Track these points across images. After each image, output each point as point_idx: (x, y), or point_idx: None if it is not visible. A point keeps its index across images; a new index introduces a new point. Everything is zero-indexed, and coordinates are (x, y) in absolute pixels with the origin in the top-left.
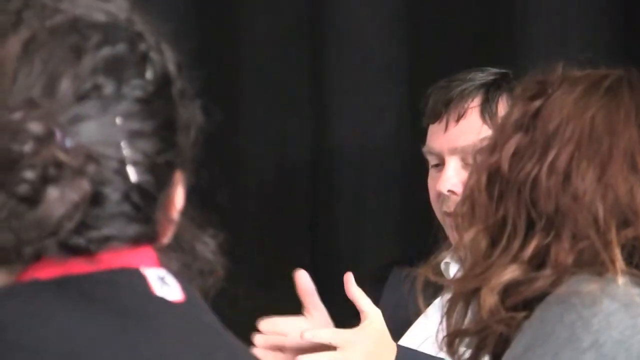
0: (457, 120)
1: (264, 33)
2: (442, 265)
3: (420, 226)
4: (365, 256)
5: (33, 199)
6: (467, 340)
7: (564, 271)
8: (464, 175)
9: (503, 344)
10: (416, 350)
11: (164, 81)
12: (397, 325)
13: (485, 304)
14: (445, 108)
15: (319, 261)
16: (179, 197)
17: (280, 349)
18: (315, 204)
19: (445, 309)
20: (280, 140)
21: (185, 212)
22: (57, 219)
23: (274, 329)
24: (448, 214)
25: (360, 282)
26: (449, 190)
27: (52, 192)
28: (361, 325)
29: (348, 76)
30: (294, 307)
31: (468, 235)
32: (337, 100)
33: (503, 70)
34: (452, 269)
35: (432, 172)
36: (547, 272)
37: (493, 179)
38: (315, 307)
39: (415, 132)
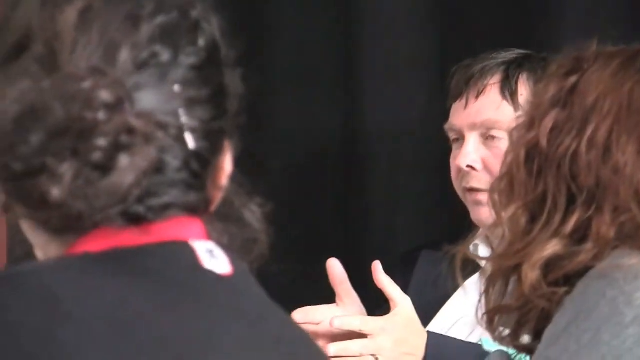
0: (477, 97)
1: (298, 19)
2: (471, 247)
3: (451, 210)
4: (397, 240)
5: (106, 167)
6: (505, 319)
7: (605, 245)
8: (483, 151)
9: (544, 319)
10: (446, 336)
11: (214, 48)
12: (427, 307)
13: (527, 280)
14: (466, 86)
15: (351, 245)
16: (227, 164)
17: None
18: (347, 188)
19: (483, 287)
20: (313, 125)
21: (233, 179)
22: (127, 186)
23: (306, 319)
24: (468, 190)
25: (391, 266)
26: (468, 166)
27: (124, 160)
28: (391, 312)
29: (380, 61)
30: (326, 294)
31: (507, 212)
32: (369, 85)
33: (526, 51)
34: (481, 251)
35: (453, 150)
36: (589, 246)
37: (532, 155)
38: (348, 295)
39: (445, 117)
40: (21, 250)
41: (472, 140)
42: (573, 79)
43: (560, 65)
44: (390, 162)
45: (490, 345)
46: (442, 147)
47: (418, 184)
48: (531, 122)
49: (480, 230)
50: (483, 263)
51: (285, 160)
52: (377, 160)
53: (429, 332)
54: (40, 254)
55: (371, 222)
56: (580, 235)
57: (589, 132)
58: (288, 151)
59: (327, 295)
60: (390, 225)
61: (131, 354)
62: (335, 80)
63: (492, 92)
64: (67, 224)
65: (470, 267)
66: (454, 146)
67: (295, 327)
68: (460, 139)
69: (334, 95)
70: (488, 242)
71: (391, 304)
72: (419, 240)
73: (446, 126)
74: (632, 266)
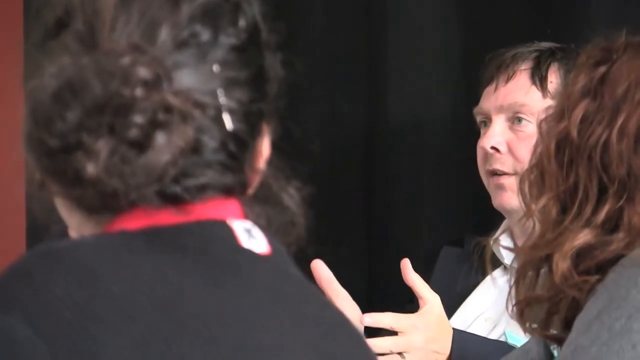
0: (507, 81)
1: (321, 13)
2: (492, 242)
3: (475, 204)
4: (421, 235)
5: (142, 144)
6: (535, 309)
7: (637, 234)
8: (508, 134)
9: (575, 309)
10: (471, 333)
11: (254, 30)
12: (448, 303)
13: (558, 270)
14: (497, 71)
15: (375, 241)
16: (265, 147)
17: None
18: (370, 184)
19: (513, 278)
20: (336, 120)
21: (272, 162)
22: (164, 165)
23: None
24: (491, 174)
25: (415, 264)
26: (492, 147)
27: (160, 138)
28: (421, 310)
29: (403, 56)
30: (350, 283)
31: (538, 204)
32: (392, 80)
33: (560, 44)
34: (506, 242)
35: (481, 134)
36: (620, 235)
37: (562, 145)
38: (338, 295)
39: (469, 111)
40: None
41: (499, 123)
42: (602, 69)
43: (589, 55)
44: (414, 157)
45: (515, 339)
46: (466, 141)
47: (441, 178)
48: (561, 113)
49: (503, 223)
50: (506, 256)
51: (307, 156)
52: (400, 155)
53: (454, 330)
54: (74, 233)
55: (394, 218)
56: (611, 225)
57: (619, 121)
58: (310, 147)
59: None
60: (414, 220)
61: (170, 330)
62: (358, 75)
63: (522, 77)
64: (103, 202)
65: (492, 261)
66: (482, 130)
67: (333, 307)
68: (487, 122)
69: (357, 91)
70: (511, 235)
71: (420, 302)
72: (442, 235)
73: (475, 110)
74: None
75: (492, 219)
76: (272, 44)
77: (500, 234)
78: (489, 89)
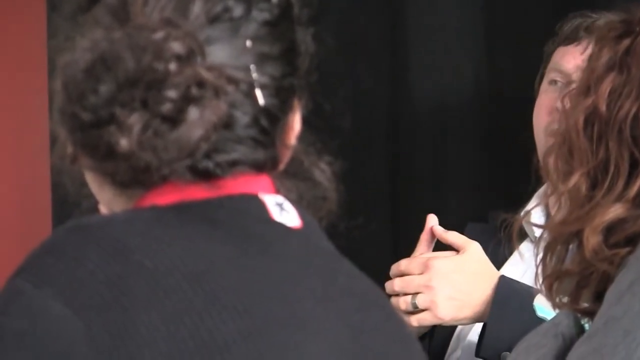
0: None
1: None
2: (522, 213)
3: (499, 181)
4: (445, 211)
5: (175, 119)
6: (565, 284)
7: None
8: None
9: (606, 282)
10: (516, 280)
11: (287, 5)
12: None
13: (589, 244)
14: (588, 34)
15: (398, 218)
16: (296, 122)
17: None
18: (395, 159)
19: (541, 254)
20: (359, 97)
21: (303, 138)
22: (196, 140)
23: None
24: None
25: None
26: None
27: (193, 112)
28: (454, 256)
29: (426, 31)
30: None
31: (570, 182)
32: (416, 55)
33: None
34: (534, 217)
35: (548, 90)
36: None
37: (591, 120)
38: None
39: (493, 86)
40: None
41: None
42: (627, 42)
43: (610, 28)
44: (438, 132)
45: (544, 311)
46: (490, 118)
47: (465, 153)
48: (587, 88)
49: (536, 195)
50: (536, 230)
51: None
52: (424, 130)
53: (503, 281)
54: (105, 209)
55: (418, 195)
56: None
57: None
58: (335, 124)
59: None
60: (439, 195)
61: (203, 304)
62: (381, 51)
63: None
64: (135, 176)
65: (518, 236)
66: (550, 88)
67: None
68: (559, 82)
69: (380, 67)
70: (545, 208)
71: (461, 250)
72: (467, 210)
73: (551, 66)
74: None
75: (516, 193)
76: (303, 19)
77: (534, 206)
78: (575, 49)
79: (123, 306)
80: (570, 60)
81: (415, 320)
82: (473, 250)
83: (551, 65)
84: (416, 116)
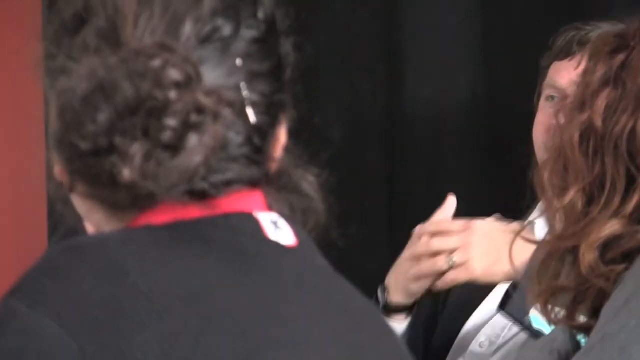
0: None
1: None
2: (525, 223)
3: (496, 191)
4: None
5: (176, 146)
6: (560, 299)
7: None
8: None
9: (602, 298)
10: None
11: (272, 20)
12: (472, 292)
13: (585, 260)
14: (581, 48)
15: (394, 225)
16: (283, 135)
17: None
18: (391, 163)
19: (537, 269)
20: (356, 102)
21: (290, 150)
22: (196, 166)
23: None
24: None
25: None
26: None
27: (193, 139)
28: None
29: (422, 36)
30: (371, 265)
31: (566, 197)
32: (411, 60)
33: None
34: (538, 228)
35: (545, 107)
36: None
37: (586, 136)
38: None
39: (488, 91)
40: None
41: None
42: (621, 57)
43: (604, 43)
44: (433, 138)
45: (540, 323)
46: (485, 126)
47: (461, 159)
48: (582, 103)
49: (539, 205)
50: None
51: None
52: (420, 135)
53: None
54: (92, 229)
55: (414, 202)
56: (639, 215)
57: None
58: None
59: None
60: (433, 204)
61: (199, 325)
62: (377, 56)
63: None
64: (133, 202)
65: None
66: (547, 104)
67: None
68: (558, 97)
69: (376, 72)
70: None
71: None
72: (462, 215)
73: (547, 82)
74: None
75: (512, 202)
76: (286, 31)
77: (538, 216)
78: (568, 65)
79: (117, 328)
80: (565, 75)
81: (450, 277)
82: (515, 223)
83: (547, 81)
84: (412, 124)
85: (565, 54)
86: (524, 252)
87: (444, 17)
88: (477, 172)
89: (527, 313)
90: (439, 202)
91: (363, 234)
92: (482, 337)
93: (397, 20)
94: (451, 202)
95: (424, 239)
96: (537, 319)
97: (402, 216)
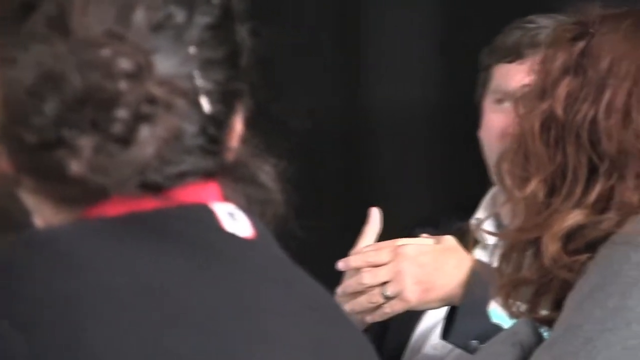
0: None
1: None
2: (473, 222)
3: (454, 186)
4: (401, 216)
5: (127, 139)
6: (522, 292)
7: (629, 211)
8: None
9: (565, 289)
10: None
11: (227, 5)
12: None
13: (548, 251)
14: (531, 51)
15: (356, 222)
16: (239, 124)
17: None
18: (349, 163)
19: (496, 263)
20: (316, 101)
21: (246, 140)
22: (148, 158)
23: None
24: None
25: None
26: None
27: (144, 131)
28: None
29: (380, 37)
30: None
31: (527, 188)
32: (372, 58)
33: None
34: (486, 226)
35: (495, 111)
36: (612, 214)
37: (547, 125)
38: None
39: (449, 91)
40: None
41: None
42: (581, 44)
43: (564, 30)
44: (391, 138)
45: (499, 317)
46: (444, 122)
47: (419, 159)
48: (542, 91)
49: (485, 204)
50: (489, 237)
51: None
52: (378, 135)
53: (477, 260)
54: (41, 222)
55: (375, 198)
56: (602, 204)
57: (606, 97)
58: (290, 129)
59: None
60: (395, 201)
61: (158, 319)
62: (334, 56)
63: None
64: (82, 196)
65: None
66: (497, 108)
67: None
68: (508, 101)
69: (337, 70)
70: (497, 217)
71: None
72: (420, 215)
73: (495, 86)
74: None
75: (470, 198)
76: (242, 16)
77: (487, 217)
78: (518, 68)
79: (72, 324)
80: (517, 80)
81: (386, 310)
82: (447, 238)
83: (495, 83)
84: (370, 120)
85: (515, 56)
86: (461, 270)
87: (403, 13)
88: (436, 168)
89: (471, 337)
90: (399, 202)
91: (321, 229)
92: (435, 339)
93: (355, 16)
94: (375, 218)
95: (354, 274)
96: (496, 312)
97: (361, 213)
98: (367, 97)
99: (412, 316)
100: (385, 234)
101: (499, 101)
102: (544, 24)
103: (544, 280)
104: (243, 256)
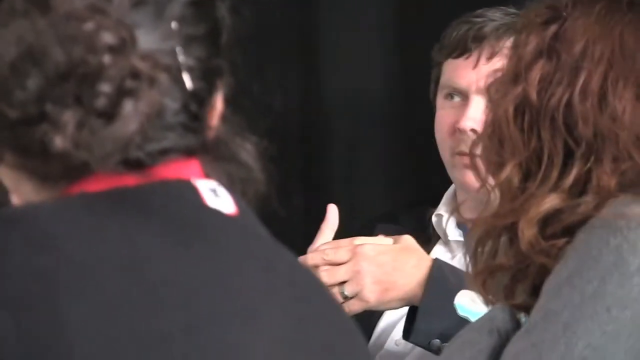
0: (489, 59)
1: None
2: (434, 218)
3: (411, 181)
4: (356, 214)
5: (110, 114)
6: (498, 278)
7: (607, 195)
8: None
9: (543, 274)
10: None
11: None
12: None
13: (524, 237)
14: (477, 45)
15: (311, 218)
16: (219, 102)
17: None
18: (307, 162)
19: (471, 250)
20: (271, 95)
21: (226, 118)
22: (131, 134)
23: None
24: (465, 154)
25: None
26: (472, 129)
27: (128, 106)
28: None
29: (337, 32)
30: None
31: (502, 173)
32: (327, 51)
33: None
34: (448, 223)
35: (445, 107)
36: (589, 197)
37: (521, 109)
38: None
39: (404, 85)
40: None
41: (480, 103)
42: (554, 28)
43: (536, 14)
44: (349, 133)
45: (466, 310)
46: (402, 116)
47: (377, 154)
48: (515, 76)
49: (445, 200)
50: (450, 234)
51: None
52: (335, 131)
53: (436, 265)
54: (19, 201)
55: (330, 195)
56: (579, 188)
57: (581, 80)
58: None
59: None
60: (350, 198)
61: (139, 296)
62: (290, 51)
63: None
64: (65, 172)
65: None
66: (446, 103)
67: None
68: (458, 97)
69: (291, 64)
70: (457, 213)
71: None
72: (374, 210)
73: (444, 82)
74: (636, 214)
75: (427, 192)
76: None
77: (452, 214)
78: (465, 63)
79: (52, 300)
80: (464, 75)
81: (346, 308)
82: (405, 237)
83: (444, 80)
84: (328, 115)
85: (461, 51)
86: (420, 270)
87: (359, 7)
88: (394, 163)
89: (433, 336)
90: (354, 199)
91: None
92: (397, 335)
93: (309, 15)
94: (333, 215)
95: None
96: (463, 307)
97: (318, 208)
98: (323, 91)
99: (372, 314)
100: (343, 231)
101: (448, 96)
102: (491, 17)
103: (521, 266)
104: (225, 232)
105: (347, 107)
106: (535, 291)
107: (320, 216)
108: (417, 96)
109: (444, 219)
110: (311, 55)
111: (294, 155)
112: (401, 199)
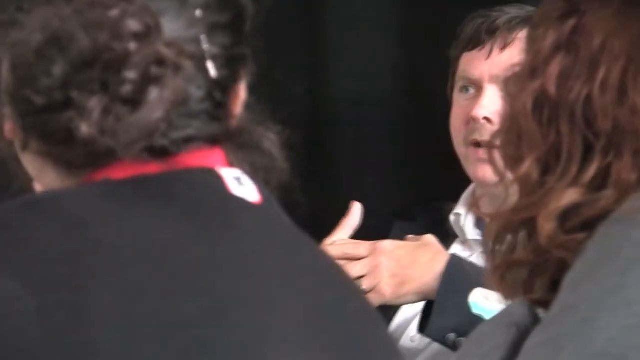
0: (502, 49)
1: None
2: (452, 217)
3: (419, 176)
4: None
5: (136, 100)
6: (517, 273)
7: (627, 190)
8: (499, 105)
9: (562, 269)
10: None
11: None
12: None
13: (543, 231)
14: (490, 36)
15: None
16: (243, 91)
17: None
18: (314, 159)
19: (489, 246)
20: (277, 96)
21: (250, 107)
22: (156, 121)
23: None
24: (475, 144)
25: (361, 235)
26: (485, 118)
27: (153, 93)
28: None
29: (343, 34)
30: None
31: (521, 168)
32: (334, 49)
33: None
34: (466, 222)
35: (460, 99)
36: (609, 192)
37: (540, 104)
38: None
39: (412, 82)
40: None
41: (494, 92)
42: (572, 22)
43: (553, 8)
44: (357, 132)
45: (479, 309)
46: (409, 115)
47: (386, 152)
48: (533, 70)
49: (463, 199)
50: (468, 233)
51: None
52: (343, 131)
53: (453, 261)
54: (41, 189)
55: (337, 191)
56: (599, 182)
57: (600, 74)
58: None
59: None
60: (357, 193)
61: (164, 281)
62: (297, 51)
63: (518, 47)
64: (90, 159)
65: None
66: (461, 96)
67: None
68: (472, 88)
69: (298, 63)
70: (475, 208)
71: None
72: (385, 208)
73: (459, 74)
74: None
75: (438, 188)
76: None
77: (470, 209)
78: (479, 55)
79: (78, 284)
80: (477, 66)
81: None
82: (427, 236)
83: (459, 72)
84: (335, 114)
85: (475, 44)
86: (436, 264)
87: (365, 7)
88: (403, 161)
89: (448, 331)
90: (361, 194)
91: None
92: (412, 332)
93: (320, 12)
94: (356, 212)
95: None
96: (477, 305)
97: (325, 210)
98: (332, 92)
99: (388, 309)
100: (361, 229)
101: (463, 89)
102: (506, 11)
103: (539, 261)
104: (249, 220)
105: (354, 108)
106: (554, 286)
107: (326, 215)
108: (426, 94)
109: (462, 217)
110: (318, 54)
111: (301, 157)
112: (410, 197)
